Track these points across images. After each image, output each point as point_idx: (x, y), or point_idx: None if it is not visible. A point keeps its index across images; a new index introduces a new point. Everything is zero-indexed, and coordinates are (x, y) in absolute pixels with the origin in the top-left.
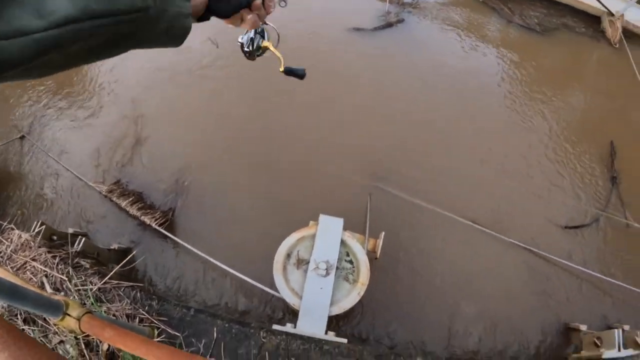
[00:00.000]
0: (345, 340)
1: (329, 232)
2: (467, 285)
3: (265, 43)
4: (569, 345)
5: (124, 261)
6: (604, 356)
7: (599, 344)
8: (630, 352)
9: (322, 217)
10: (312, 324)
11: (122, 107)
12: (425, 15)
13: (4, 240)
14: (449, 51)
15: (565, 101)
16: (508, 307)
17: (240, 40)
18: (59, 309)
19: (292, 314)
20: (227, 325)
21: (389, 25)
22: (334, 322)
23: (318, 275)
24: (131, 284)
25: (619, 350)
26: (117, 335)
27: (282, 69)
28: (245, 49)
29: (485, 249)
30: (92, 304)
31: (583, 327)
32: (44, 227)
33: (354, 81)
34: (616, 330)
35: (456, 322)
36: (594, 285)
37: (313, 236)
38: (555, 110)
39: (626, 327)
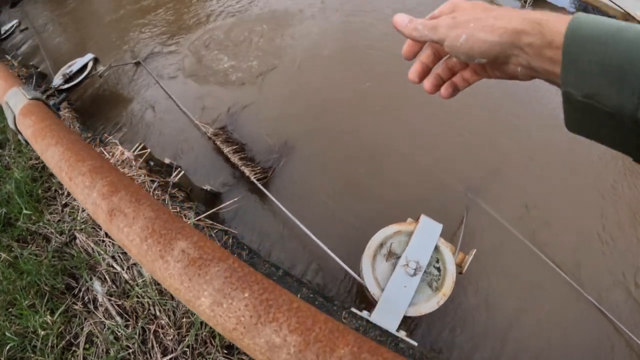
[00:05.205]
0: (415, 343)
1: (426, 233)
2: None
3: None
4: None
5: (226, 204)
6: None
7: None
8: None
9: (424, 218)
10: (386, 317)
11: (245, 62)
12: None
13: (106, 153)
14: None
15: None
16: None
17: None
18: None
19: (359, 302)
20: (312, 295)
21: None
22: (405, 323)
23: (406, 272)
24: (225, 228)
25: None
26: None
27: None
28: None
29: (571, 311)
30: None
31: None
32: (147, 151)
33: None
34: None
35: None
36: None
37: (409, 233)
38: None
39: None
